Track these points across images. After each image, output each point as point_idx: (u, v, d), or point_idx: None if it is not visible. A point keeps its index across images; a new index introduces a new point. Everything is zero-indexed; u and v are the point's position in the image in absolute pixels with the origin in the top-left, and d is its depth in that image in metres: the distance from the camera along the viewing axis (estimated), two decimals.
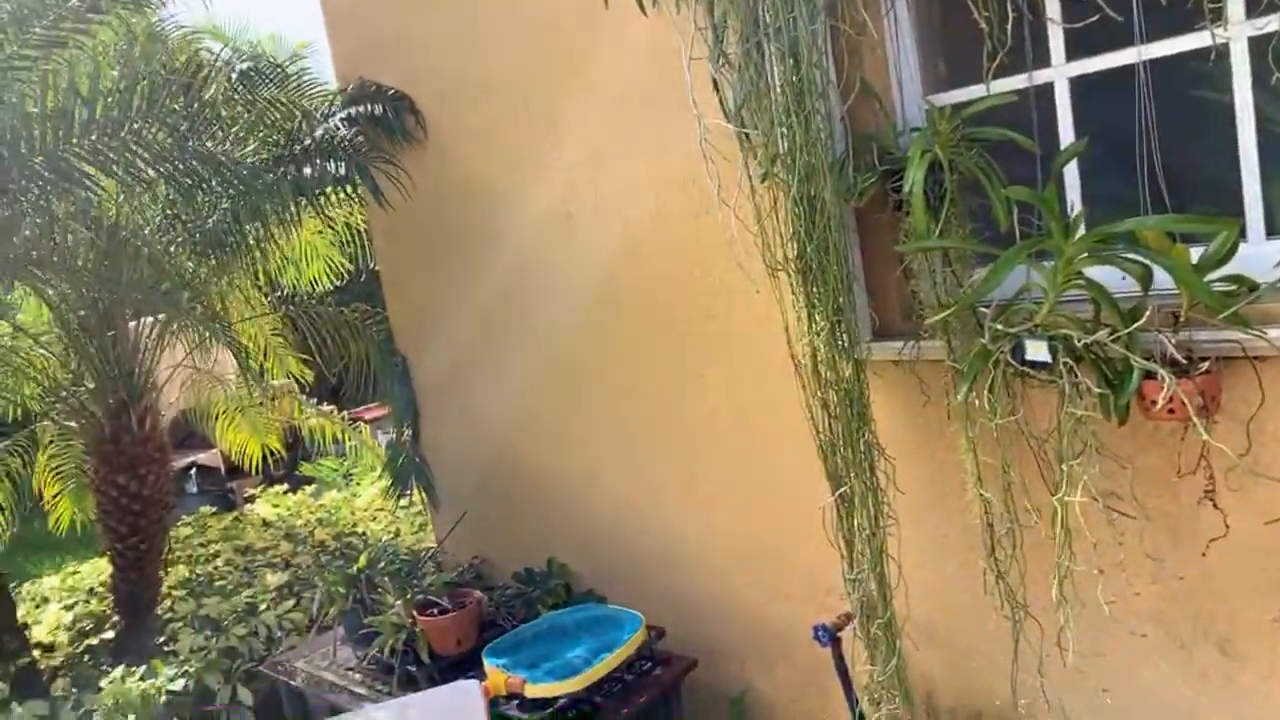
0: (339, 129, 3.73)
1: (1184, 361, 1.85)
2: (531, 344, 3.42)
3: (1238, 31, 1.81)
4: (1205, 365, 1.84)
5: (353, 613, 3.22)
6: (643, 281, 2.98)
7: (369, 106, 3.58)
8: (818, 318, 2.14)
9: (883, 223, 2.29)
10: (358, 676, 3.16)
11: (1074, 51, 2.05)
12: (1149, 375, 1.84)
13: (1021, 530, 2.13)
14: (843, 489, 2.26)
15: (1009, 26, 2.00)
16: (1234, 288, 1.84)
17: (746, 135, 2.22)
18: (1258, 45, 1.80)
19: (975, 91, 2.15)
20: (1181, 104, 1.93)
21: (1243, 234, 1.89)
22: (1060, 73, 2.08)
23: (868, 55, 2.28)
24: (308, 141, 3.69)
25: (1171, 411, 1.82)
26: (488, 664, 2.74)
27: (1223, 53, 1.84)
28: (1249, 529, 1.87)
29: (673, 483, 3.11)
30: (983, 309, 2.05)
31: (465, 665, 2.96)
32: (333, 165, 3.72)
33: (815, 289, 2.13)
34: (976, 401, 2.04)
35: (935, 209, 2.08)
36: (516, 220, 3.30)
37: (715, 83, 2.32)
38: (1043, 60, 2.09)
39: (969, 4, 2.01)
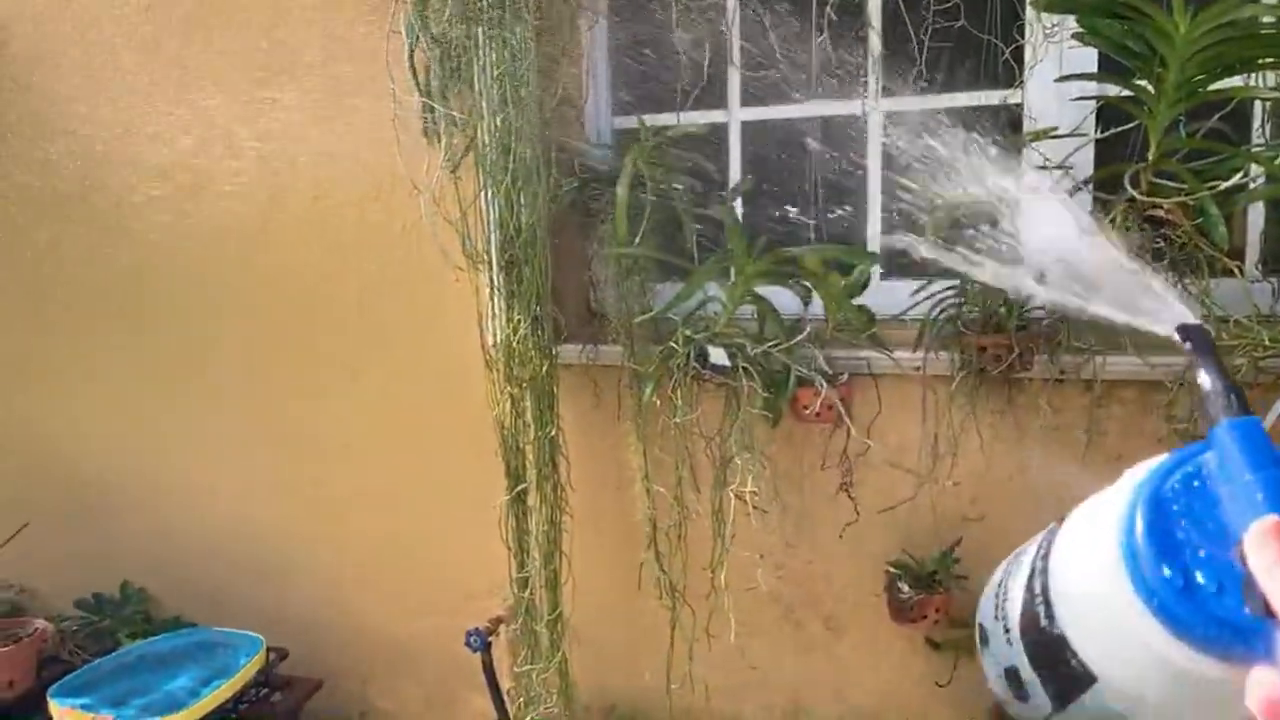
0: None
1: (829, 373, 2.18)
2: (113, 332, 2.90)
3: (874, 105, 2.22)
4: (844, 377, 2.19)
5: None
6: (280, 268, 2.70)
7: None
8: (518, 313, 2.13)
9: (572, 227, 2.37)
10: None
11: (748, 100, 2.33)
12: (801, 382, 2.14)
13: (687, 523, 2.31)
14: (522, 486, 2.25)
15: (705, 66, 2.24)
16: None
17: (453, 118, 2.15)
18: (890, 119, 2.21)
19: (663, 120, 2.33)
20: (839, 157, 2.29)
21: None
22: (736, 115, 2.35)
23: (566, 66, 2.35)
24: None
25: (819, 415, 2.15)
26: (59, 706, 2.24)
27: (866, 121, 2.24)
28: (868, 516, 2.25)
29: (299, 492, 2.83)
30: (671, 316, 2.21)
31: (20, 711, 2.37)
32: None
33: (520, 285, 2.12)
34: (658, 402, 2.19)
35: (634, 220, 2.20)
36: (116, 180, 2.79)
37: (412, 58, 2.23)
38: (720, 102, 2.35)
39: (670, 41, 2.23)
